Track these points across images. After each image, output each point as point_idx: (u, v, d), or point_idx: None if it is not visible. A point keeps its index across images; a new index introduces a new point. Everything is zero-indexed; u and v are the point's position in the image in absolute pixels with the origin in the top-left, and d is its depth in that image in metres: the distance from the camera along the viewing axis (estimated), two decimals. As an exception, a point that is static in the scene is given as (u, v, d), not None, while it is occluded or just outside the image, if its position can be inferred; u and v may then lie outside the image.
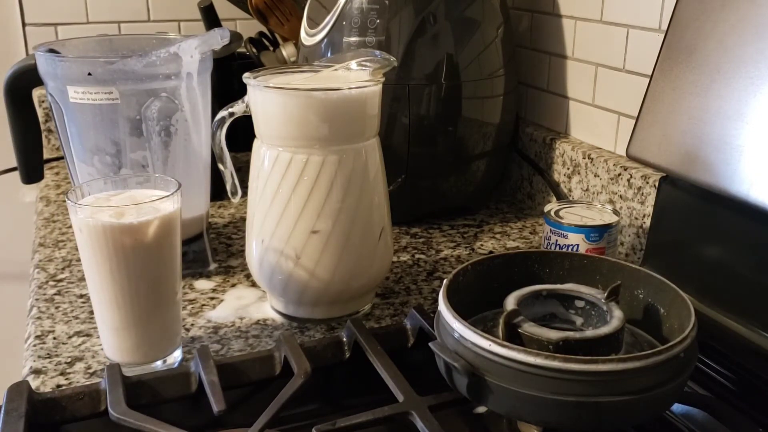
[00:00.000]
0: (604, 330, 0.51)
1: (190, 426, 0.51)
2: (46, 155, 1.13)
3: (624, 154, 0.75)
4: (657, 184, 0.75)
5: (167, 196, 0.60)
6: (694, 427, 0.54)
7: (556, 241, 0.75)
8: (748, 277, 0.64)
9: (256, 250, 0.69)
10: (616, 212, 0.77)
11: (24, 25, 1.21)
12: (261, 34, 1.17)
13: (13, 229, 1.28)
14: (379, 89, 0.67)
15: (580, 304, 0.57)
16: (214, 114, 0.72)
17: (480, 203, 1.02)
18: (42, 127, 0.98)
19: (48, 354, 0.65)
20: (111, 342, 0.62)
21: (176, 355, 0.64)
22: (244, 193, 0.73)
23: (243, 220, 0.94)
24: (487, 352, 0.48)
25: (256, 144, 0.69)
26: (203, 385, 0.55)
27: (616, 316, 0.53)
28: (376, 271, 0.71)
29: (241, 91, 0.68)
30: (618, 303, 0.55)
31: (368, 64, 0.68)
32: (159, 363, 0.62)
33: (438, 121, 0.89)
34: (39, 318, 0.71)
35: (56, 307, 0.73)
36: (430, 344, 0.52)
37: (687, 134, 0.66)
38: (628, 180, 0.84)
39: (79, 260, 0.67)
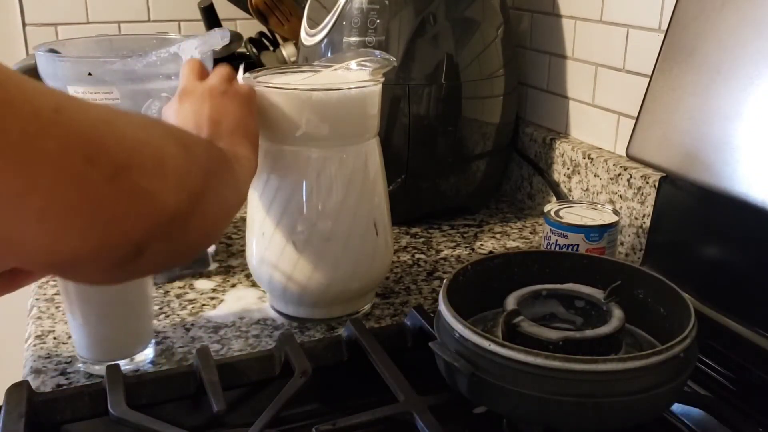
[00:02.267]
0: (604, 330, 0.51)
1: (190, 426, 0.51)
2: (46, 155, 1.12)
3: (624, 154, 0.75)
4: (657, 184, 0.75)
5: None
6: (694, 427, 0.54)
7: (556, 241, 0.75)
8: (748, 277, 0.64)
9: (256, 249, 0.69)
10: (616, 212, 0.77)
11: (24, 25, 1.21)
12: (261, 34, 1.17)
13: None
14: (379, 89, 0.67)
15: (580, 304, 0.57)
16: (214, 114, 0.72)
17: (480, 203, 1.02)
18: (42, 127, 0.98)
19: (48, 354, 0.65)
20: (79, 338, 0.62)
21: (147, 353, 0.64)
22: (244, 193, 0.73)
23: (243, 220, 0.94)
24: (487, 352, 0.48)
25: (256, 144, 0.69)
26: (203, 385, 0.55)
27: (616, 316, 0.53)
28: (376, 271, 0.71)
29: (241, 91, 0.68)
30: (618, 303, 0.55)
31: (368, 64, 0.68)
32: (126, 361, 0.62)
33: (438, 121, 0.89)
34: (39, 318, 0.71)
35: (56, 307, 0.73)
36: (430, 344, 0.52)
37: (687, 134, 0.66)
38: (628, 180, 0.84)
39: (79, 260, 0.67)
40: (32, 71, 0.79)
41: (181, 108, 0.59)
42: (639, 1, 0.84)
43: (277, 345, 0.60)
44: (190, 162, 0.42)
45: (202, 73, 0.62)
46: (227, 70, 0.63)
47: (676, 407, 0.54)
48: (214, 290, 0.77)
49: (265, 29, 1.16)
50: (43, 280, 0.78)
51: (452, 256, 0.87)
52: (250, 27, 1.20)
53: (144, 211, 0.36)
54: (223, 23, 1.13)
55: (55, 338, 0.67)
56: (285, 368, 0.58)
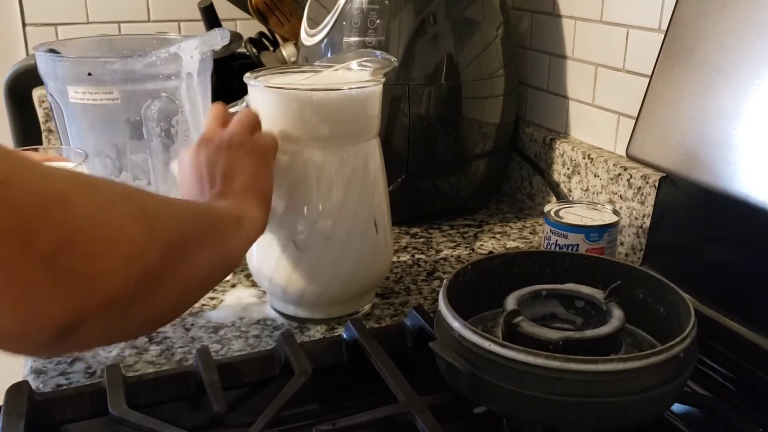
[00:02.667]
0: (604, 330, 0.51)
1: (190, 426, 0.51)
2: (46, 155, 1.13)
3: (624, 154, 0.75)
4: (657, 184, 0.75)
5: (74, 166, 0.63)
6: (694, 427, 0.54)
7: (556, 241, 0.75)
8: (748, 277, 0.64)
9: (256, 250, 0.69)
10: (616, 212, 0.77)
11: (24, 25, 1.21)
12: (261, 34, 1.17)
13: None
14: (380, 89, 0.67)
15: (580, 304, 0.57)
16: (214, 114, 0.72)
17: (480, 203, 1.02)
18: (42, 127, 0.98)
19: (48, 354, 0.65)
20: None
21: None
22: (244, 193, 0.73)
23: (243, 220, 0.94)
24: (487, 352, 0.48)
25: (256, 144, 0.69)
26: (203, 385, 0.55)
27: (616, 316, 0.53)
28: (376, 271, 0.71)
29: (241, 91, 0.68)
30: (618, 303, 0.55)
31: (368, 64, 0.68)
32: None
33: (438, 121, 0.89)
34: (39, 318, 0.71)
35: (56, 307, 0.73)
36: (430, 344, 0.52)
37: (687, 134, 0.66)
38: (628, 180, 0.84)
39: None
40: (32, 71, 0.79)
41: (196, 158, 0.58)
42: (639, 1, 0.84)
43: (277, 345, 0.60)
44: (150, 240, 0.39)
45: (226, 119, 0.62)
46: (250, 118, 0.62)
47: (676, 407, 0.55)
48: (214, 290, 0.77)
49: (265, 29, 1.16)
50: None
51: (452, 256, 0.87)
52: (250, 27, 1.20)
53: (76, 294, 0.34)
54: (223, 23, 1.13)
55: (55, 338, 0.67)
56: (285, 368, 0.58)
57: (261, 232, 0.56)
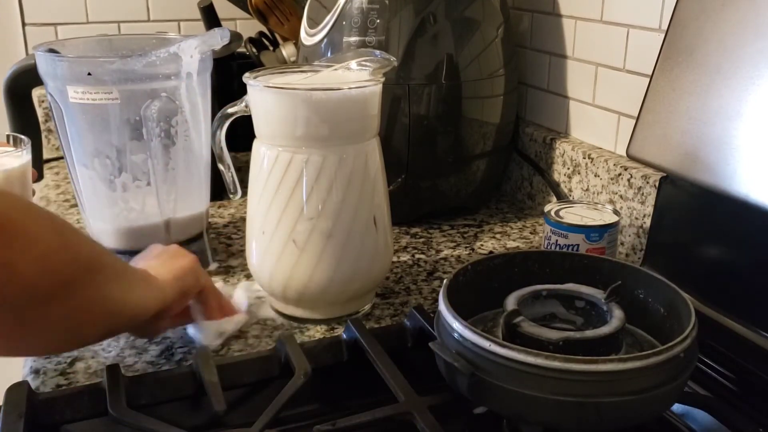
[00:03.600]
0: (604, 330, 0.51)
1: (190, 426, 0.51)
2: (46, 155, 1.13)
3: (624, 154, 0.75)
4: (657, 184, 0.75)
5: (10, 151, 0.65)
6: (694, 427, 0.54)
7: (556, 241, 0.75)
8: (748, 277, 0.64)
9: (256, 249, 0.69)
10: (616, 212, 0.77)
11: (24, 25, 1.21)
12: (261, 34, 1.17)
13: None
14: (379, 89, 0.67)
15: (580, 304, 0.57)
16: (214, 114, 0.72)
17: (480, 203, 1.02)
18: (42, 127, 0.98)
19: (48, 354, 0.65)
20: None
21: None
22: (244, 193, 0.73)
23: (243, 220, 0.94)
24: (487, 352, 0.48)
25: (256, 144, 0.69)
26: (203, 385, 0.55)
27: (616, 316, 0.53)
28: (376, 271, 0.71)
29: (241, 91, 0.68)
30: (618, 303, 0.55)
31: (368, 63, 0.68)
32: None
33: (438, 121, 0.89)
34: (39, 318, 0.71)
35: (56, 307, 0.73)
36: (430, 344, 0.52)
37: (687, 134, 0.66)
38: (629, 180, 0.84)
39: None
40: (32, 71, 0.79)
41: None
42: (639, 1, 0.84)
43: (277, 345, 0.60)
44: (62, 251, 0.45)
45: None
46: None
47: (676, 407, 0.55)
48: (214, 290, 0.76)
49: (265, 29, 1.16)
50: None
51: (452, 256, 0.86)
52: (250, 27, 1.20)
53: None
54: (223, 23, 1.14)
55: (55, 338, 0.67)
56: (285, 368, 0.58)
57: (160, 295, 0.57)
